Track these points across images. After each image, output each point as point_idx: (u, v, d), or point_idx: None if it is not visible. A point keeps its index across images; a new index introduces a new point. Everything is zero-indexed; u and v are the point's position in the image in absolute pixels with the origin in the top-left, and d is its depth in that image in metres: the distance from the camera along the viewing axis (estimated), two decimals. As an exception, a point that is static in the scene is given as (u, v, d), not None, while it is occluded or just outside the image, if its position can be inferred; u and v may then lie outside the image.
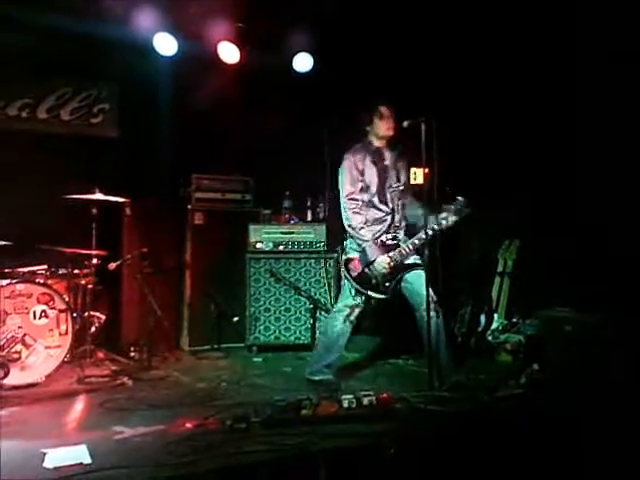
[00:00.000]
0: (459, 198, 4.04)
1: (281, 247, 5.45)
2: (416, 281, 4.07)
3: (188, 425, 3.18)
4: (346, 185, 4.15)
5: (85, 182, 4.67)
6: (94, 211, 4.72)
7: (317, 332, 5.06)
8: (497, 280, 5.43)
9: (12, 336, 4.05)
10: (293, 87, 5.64)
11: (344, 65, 5.45)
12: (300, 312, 5.39)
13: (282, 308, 5.40)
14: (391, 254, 4.06)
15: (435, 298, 3.99)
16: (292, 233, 5.48)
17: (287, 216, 5.61)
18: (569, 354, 3.95)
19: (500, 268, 5.46)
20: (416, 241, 4.05)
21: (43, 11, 4.74)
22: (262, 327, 5.37)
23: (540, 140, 5.12)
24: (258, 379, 4.42)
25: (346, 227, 4.15)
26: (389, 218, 4.19)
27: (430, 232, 3.93)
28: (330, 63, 5.60)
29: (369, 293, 4.08)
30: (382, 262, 4.03)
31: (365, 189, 4.16)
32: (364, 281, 4.08)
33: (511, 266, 5.38)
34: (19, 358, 4.05)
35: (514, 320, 5.14)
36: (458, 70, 5.27)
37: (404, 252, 4.08)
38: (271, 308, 5.39)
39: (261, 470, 2.74)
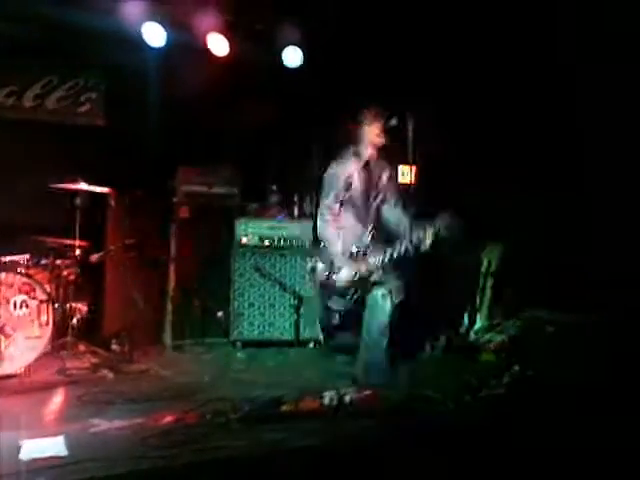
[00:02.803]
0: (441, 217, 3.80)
1: (267, 242, 5.42)
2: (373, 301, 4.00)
3: (167, 419, 3.15)
4: (328, 193, 4.08)
5: (70, 172, 4.61)
6: (78, 201, 4.66)
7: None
8: (481, 281, 5.45)
9: (-8, 326, 4.00)
10: (282, 80, 5.62)
11: (334, 59, 5.43)
12: (285, 308, 5.36)
13: (267, 304, 5.37)
14: (357, 268, 3.95)
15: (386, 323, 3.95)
16: (278, 229, 5.45)
17: (274, 211, 5.58)
18: (551, 354, 3.96)
19: (483, 269, 5.48)
20: (386, 259, 3.90)
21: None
22: (246, 322, 5.34)
23: (527, 140, 5.14)
24: (241, 374, 4.39)
25: (318, 235, 4.13)
26: (367, 232, 4.10)
27: (403, 251, 3.82)
28: (320, 57, 5.58)
29: (328, 303, 4.04)
30: (347, 275, 3.95)
31: (347, 201, 4.07)
32: (328, 290, 4.03)
33: (494, 267, 5.41)
34: (-3, 348, 3.99)
35: (497, 320, 5.16)
36: (448, 64, 5.26)
37: (371, 267, 3.96)
38: (255, 303, 5.36)
39: (239, 465, 2.72)
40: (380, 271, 3.97)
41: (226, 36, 5.47)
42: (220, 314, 5.33)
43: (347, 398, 3.45)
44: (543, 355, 4.03)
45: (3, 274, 4.13)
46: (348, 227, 4.07)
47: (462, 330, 5.26)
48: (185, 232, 5.47)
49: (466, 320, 5.29)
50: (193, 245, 5.47)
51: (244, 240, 5.40)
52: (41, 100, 5.52)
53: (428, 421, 3.33)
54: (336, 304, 4.03)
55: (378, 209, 4.15)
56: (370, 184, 4.14)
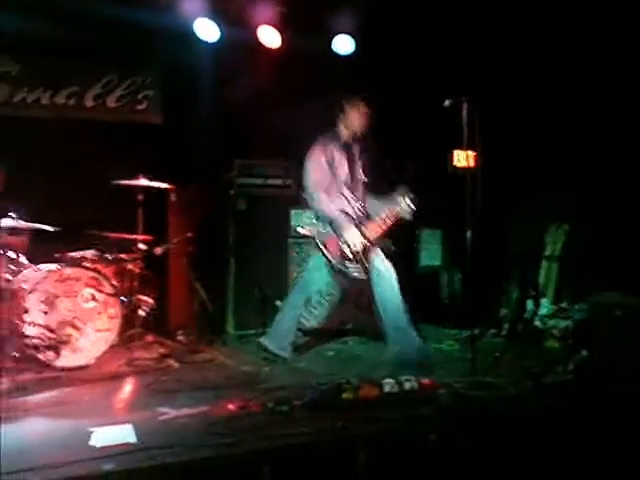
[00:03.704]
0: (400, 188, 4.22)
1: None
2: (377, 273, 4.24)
3: (230, 407, 3.22)
4: (314, 175, 4.23)
5: (131, 169, 4.73)
6: (140, 197, 4.79)
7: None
8: (545, 264, 5.31)
9: (62, 319, 4.17)
10: (334, 70, 5.59)
11: (385, 47, 5.37)
12: (342, 297, 5.36)
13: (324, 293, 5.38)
14: (362, 231, 4.21)
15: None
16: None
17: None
18: (619, 339, 3.82)
19: (548, 252, 5.33)
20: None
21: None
22: (305, 311, 5.36)
23: (587, 122, 4.96)
24: (301, 363, 4.43)
25: (319, 212, 4.27)
26: (357, 209, 4.32)
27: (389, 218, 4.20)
28: (371, 45, 5.53)
29: (345, 270, 4.21)
30: (355, 238, 4.17)
31: (334, 180, 4.26)
32: (338, 259, 4.21)
33: (560, 250, 5.25)
34: (69, 340, 4.16)
35: (563, 305, 5.01)
36: (502, 51, 5.15)
37: (372, 233, 4.22)
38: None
39: (300, 452, 2.76)
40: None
41: (277, 28, 5.49)
42: (279, 303, 5.38)
43: (407, 385, 3.43)
44: (611, 340, 3.88)
45: (71, 269, 4.30)
46: (339, 206, 4.25)
47: (527, 316, 5.13)
48: (243, 223, 5.55)
49: (531, 305, 5.15)
50: (251, 236, 5.54)
51: (300, 230, 5.45)
52: (102, 99, 5.69)
53: (489, 408, 3.28)
54: (350, 271, 4.21)
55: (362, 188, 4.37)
56: (354, 164, 4.33)
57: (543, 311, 5.00)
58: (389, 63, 5.36)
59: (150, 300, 4.94)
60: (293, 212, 5.49)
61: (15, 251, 4.29)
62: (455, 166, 5.55)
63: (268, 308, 5.39)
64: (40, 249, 4.55)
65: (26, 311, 4.03)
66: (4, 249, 4.17)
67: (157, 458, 2.58)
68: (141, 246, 4.81)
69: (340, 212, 4.24)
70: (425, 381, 3.50)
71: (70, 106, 5.58)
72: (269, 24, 5.49)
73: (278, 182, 5.70)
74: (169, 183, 4.95)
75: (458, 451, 2.91)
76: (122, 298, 4.56)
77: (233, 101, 5.48)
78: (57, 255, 4.55)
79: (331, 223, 4.22)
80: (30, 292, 4.06)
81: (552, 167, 5.09)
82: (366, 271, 4.21)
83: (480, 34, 5.18)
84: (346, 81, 5.54)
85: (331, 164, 4.24)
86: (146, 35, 5.20)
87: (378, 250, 4.29)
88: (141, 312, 4.80)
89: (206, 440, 2.79)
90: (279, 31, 5.51)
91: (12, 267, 4.22)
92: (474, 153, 4.34)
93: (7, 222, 4.04)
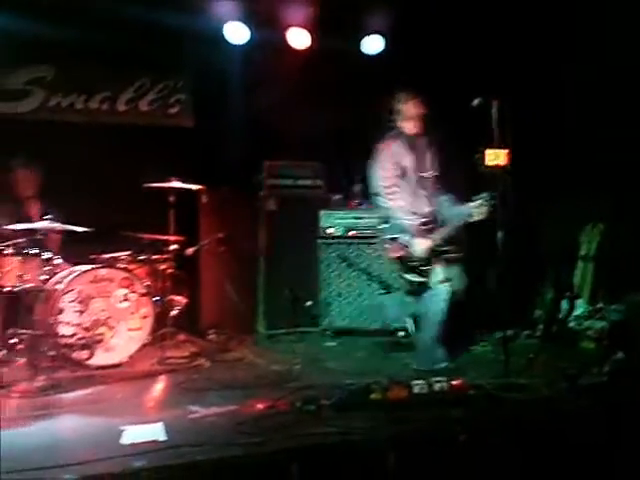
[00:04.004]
0: (484, 194, 3.98)
1: (352, 232, 5.43)
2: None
3: (259, 406, 3.22)
4: (382, 173, 4.16)
5: (162, 171, 4.79)
6: (171, 199, 4.85)
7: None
8: (581, 264, 5.21)
9: (96, 319, 4.25)
10: (363, 70, 5.58)
11: (414, 46, 5.33)
12: (372, 297, 5.35)
13: (354, 293, 5.39)
14: (430, 236, 4.05)
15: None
16: (363, 218, 5.45)
17: (358, 201, 5.57)
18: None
19: (584, 252, 5.22)
20: (449, 229, 4.05)
21: (121, 4, 4.90)
22: (335, 312, 5.39)
23: (623, 119, 4.84)
24: (331, 363, 4.43)
25: (385, 212, 4.18)
26: (424, 204, 4.19)
27: (459, 223, 4.00)
28: (400, 44, 5.50)
29: (406, 276, 4.09)
30: (422, 244, 4.03)
31: (401, 176, 4.17)
32: (403, 263, 4.09)
33: (595, 250, 5.14)
34: (103, 340, 4.24)
35: (599, 306, 4.90)
36: (532, 50, 5.06)
37: (442, 237, 4.06)
38: (343, 293, 5.40)
39: (328, 452, 2.75)
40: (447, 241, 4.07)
41: (307, 29, 5.51)
42: (309, 304, 5.40)
43: (437, 387, 3.40)
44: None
45: (105, 270, 4.39)
46: (408, 202, 4.15)
47: (561, 317, 5.03)
48: (273, 224, 5.59)
49: (566, 306, 5.06)
50: (281, 236, 5.57)
51: (330, 230, 5.45)
52: (134, 104, 5.78)
53: (521, 409, 3.22)
54: (413, 277, 4.09)
55: (430, 183, 4.22)
56: (420, 159, 4.21)
57: (578, 312, 4.90)
58: (417, 62, 5.30)
59: (182, 300, 5.00)
60: (323, 213, 5.49)
61: (50, 252, 4.38)
62: (487, 165, 5.48)
63: (298, 308, 5.42)
64: (75, 250, 4.66)
65: (61, 311, 4.13)
66: (40, 250, 4.27)
67: (186, 456, 2.60)
68: (173, 247, 4.87)
69: (407, 213, 4.13)
70: (456, 382, 3.46)
71: (103, 110, 5.70)
72: (298, 25, 5.51)
73: (308, 183, 5.72)
74: (201, 185, 5.00)
75: (488, 453, 2.86)
76: (154, 298, 4.63)
77: (262, 103, 5.51)
78: (91, 256, 4.65)
79: (397, 226, 4.14)
80: (65, 292, 4.15)
81: (587, 165, 4.98)
82: (425, 277, 4.10)
83: (508, 31, 5.10)
84: (376, 81, 5.54)
85: (398, 162, 4.17)
86: (177, 39, 5.27)
87: (443, 258, 4.12)
88: (173, 312, 4.86)
89: (235, 439, 2.81)
90: (308, 32, 5.52)
91: (47, 268, 4.32)
92: (505, 152, 4.28)
93: (43, 224, 4.13)
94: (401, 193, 4.16)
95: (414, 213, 4.14)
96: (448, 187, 4.27)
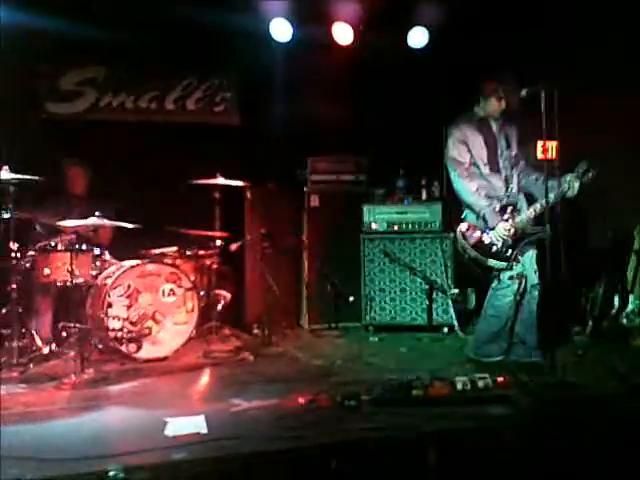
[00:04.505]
0: (581, 162, 3.80)
1: (395, 227, 5.40)
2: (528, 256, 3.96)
3: (300, 400, 3.24)
4: (455, 157, 4.04)
5: (208, 167, 4.85)
6: (217, 195, 4.92)
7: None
8: (633, 259, 5.03)
9: (144, 313, 4.36)
10: (407, 64, 5.53)
11: (460, 39, 5.24)
12: (416, 293, 5.32)
13: (397, 288, 5.36)
14: (511, 221, 3.90)
15: (537, 280, 3.96)
16: (406, 213, 5.41)
17: (401, 196, 5.52)
18: None
19: (637, 246, 5.05)
20: (538, 207, 3.84)
21: (167, 3, 4.99)
22: (378, 307, 5.37)
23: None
24: (373, 358, 4.42)
25: (461, 197, 4.05)
26: (503, 186, 4.05)
27: (552, 199, 3.73)
28: (445, 37, 5.42)
29: (489, 262, 3.93)
30: (503, 228, 3.88)
31: (474, 159, 4.04)
32: (484, 249, 3.94)
33: (649, 245, 4.96)
34: (150, 333, 4.34)
35: (652, 302, 4.73)
36: (583, 39, 4.90)
37: (525, 219, 3.90)
38: (386, 288, 5.37)
39: (368, 448, 2.75)
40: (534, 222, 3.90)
41: (350, 24, 5.48)
42: (352, 299, 5.39)
43: (480, 384, 3.36)
44: None
45: (152, 265, 4.49)
46: (483, 185, 4.02)
47: (612, 312, 4.88)
48: (316, 220, 5.62)
49: (617, 301, 4.90)
50: (324, 232, 5.59)
51: (373, 226, 5.43)
52: (181, 102, 5.88)
53: (569, 408, 3.14)
54: (496, 260, 3.92)
55: (510, 164, 4.09)
56: (494, 140, 4.07)
57: (630, 308, 4.74)
58: (463, 54, 5.21)
59: (227, 295, 5.07)
60: (366, 208, 5.46)
61: (100, 248, 4.51)
62: (538, 158, 5.36)
63: (341, 303, 5.43)
64: (124, 246, 4.78)
65: (110, 305, 4.24)
66: (90, 246, 4.40)
67: (226, 449, 2.64)
68: (218, 242, 4.94)
69: (483, 197, 3.98)
70: (500, 379, 3.41)
71: (152, 109, 5.81)
72: (343, 20, 5.49)
73: (350, 178, 5.71)
74: (245, 181, 5.06)
75: (533, 452, 2.81)
76: (200, 293, 4.71)
77: (306, 99, 5.52)
78: (140, 252, 4.76)
79: (474, 210, 4.00)
80: (113, 287, 4.27)
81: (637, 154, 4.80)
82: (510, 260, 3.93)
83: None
84: (421, 75, 5.49)
85: (471, 145, 4.03)
86: (223, 38, 5.33)
87: (525, 246, 3.97)
88: (218, 306, 4.94)
89: (275, 433, 2.84)
90: (352, 27, 5.50)
91: (97, 263, 4.46)
92: (555, 143, 4.17)
93: (92, 220, 4.25)
94: (475, 177, 4.03)
95: (491, 197, 3.99)
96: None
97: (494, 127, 4.12)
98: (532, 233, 3.93)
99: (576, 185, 3.77)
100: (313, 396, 3.29)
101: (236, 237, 5.21)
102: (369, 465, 2.69)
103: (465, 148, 4.04)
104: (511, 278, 3.97)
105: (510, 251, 3.91)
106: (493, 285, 4.08)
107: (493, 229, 3.91)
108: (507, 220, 3.90)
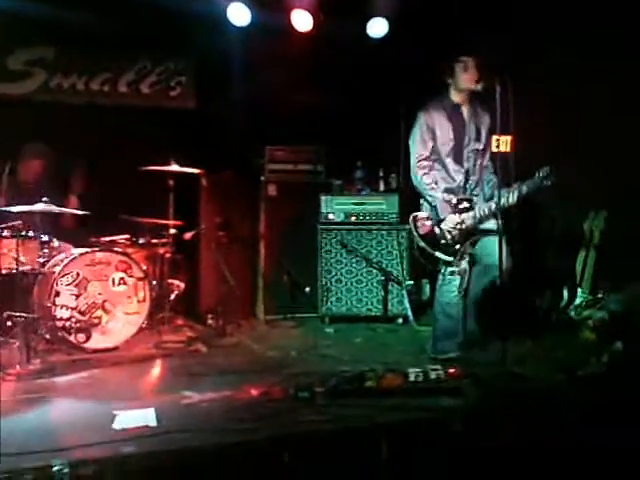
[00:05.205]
0: (543, 168, 3.73)
1: (353, 218, 5.40)
2: (489, 247, 3.87)
3: (253, 392, 3.21)
4: (417, 145, 4.00)
5: (162, 154, 4.74)
6: (171, 182, 4.81)
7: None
8: (582, 252, 5.14)
9: (93, 302, 4.24)
10: (366, 54, 5.51)
11: (419, 29, 5.25)
12: (372, 284, 5.34)
13: (354, 279, 5.37)
14: (463, 215, 3.88)
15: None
16: (364, 204, 5.41)
17: (359, 187, 5.53)
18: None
19: (586, 240, 5.16)
20: (492, 205, 3.80)
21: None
22: (334, 298, 5.37)
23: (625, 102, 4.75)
24: (328, 349, 4.41)
25: (415, 186, 4.03)
26: (462, 179, 4.01)
27: (503, 201, 3.71)
28: (404, 27, 5.41)
29: (436, 254, 3.92)
30: (452, 221, 3.86)
31: (437, 147, 3.98)
32: (433, 241, 3.92)
33: (598, 238, 5.08)
34: (99, 323, 4.24)
35: (599, 295, 4.85)
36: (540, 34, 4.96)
37: (477, 215, 3.87)
38: (342, 279, 5.38)
39: (321, 439, 2.74)
40: (490, 218, 3.85)
41: (310, 11, 5.43)
42: (308, 289, 5.38)
43: (433, 375, 3.39)
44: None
45: (102, 253, 4.37)
46: (442, 176, 3.99)
47: (561, 305, 5.00)
48: (273, 209, 5.58)
49: (565, 294, 5.02)
50: (281, 222, 5.55)
51: (330, 216, 5.41)
52: (135, 86, 5.74)
53: (516, 399, 3.20)
54: (443, 254, 3.90)
55: (474, 156, 4.02)
56: (463, 129, 3.99)
57: (578, 301, 4.86)
58: (422, 44, 5.22)
59: (180, 284, 4.99)
60: (323, 198, 5.44)
61: (48, 235, 4.36)
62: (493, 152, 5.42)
63: (297, 294, 5.41)
64: (73, 233, 4.64)
65: (57, 294, 4.11)
66: (38, 233, 4.25)
67: (178, 442, 2.58)
68: (172, 231, 4.85)
69: (439, 191, 3.93)
70: (452, 371, 3.45)
71: (104, 92, 5.65)
72: (302, 8, 5.43)
73: (308, 168, 5.68)
74: (200, 168, 4.96)
75: (482, 443, 2.85)
76: (152, 282, 4.61)
77: (264, 86, 5.45)
78: (89, 239, 4.63)
79: (430, 204, 3.97)
80: (62, 275, 4.14)
81: (589, 151, 4.90)
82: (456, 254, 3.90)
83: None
84: (379, 64, 5.47)
85: (434, 131, 3.95)
86: (179, 21, 5.19)
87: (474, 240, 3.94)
88: (171, 296, 4.85)
89: (227, 425, 2.80)
90: (311, 14, 5.44)
91: (45, 251, 4.30)
92: (509, 138, 4.20)
93: (40, 206, 4.11)
94: (435, 167, 3.99)
95: (450, 190, 3.96)
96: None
97: (465, 115, 4.02)
98: (483, 230, 3.92)
99: (516, 195, 3.71)
100: (266, 388, 3.26)
101: (191, 226, 5.13)
102: (322, 457, 2.69)
103: (430, 135, 3.97)
104: (452, 274, 3.94)
105: (458, 246, 3.90)
106: (438, 282, 4.07)
107: (442, 221, 3.89)
108: (458, 214, 3.88)
